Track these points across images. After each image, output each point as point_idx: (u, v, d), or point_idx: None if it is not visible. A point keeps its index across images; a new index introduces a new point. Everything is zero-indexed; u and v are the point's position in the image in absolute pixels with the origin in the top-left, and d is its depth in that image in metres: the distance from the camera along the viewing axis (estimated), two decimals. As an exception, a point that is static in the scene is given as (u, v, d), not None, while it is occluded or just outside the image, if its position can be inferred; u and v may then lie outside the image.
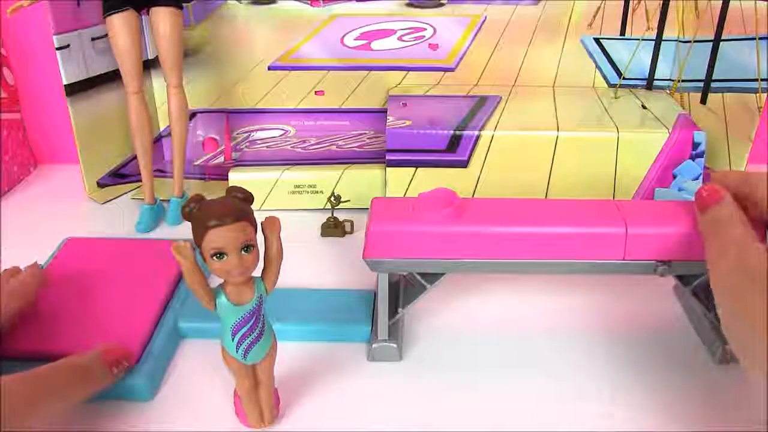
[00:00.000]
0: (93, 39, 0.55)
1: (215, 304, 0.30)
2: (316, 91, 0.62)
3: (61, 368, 0.32)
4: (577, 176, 0.52)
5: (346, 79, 0.61)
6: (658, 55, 0.59)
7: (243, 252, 0.28)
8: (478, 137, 0.51)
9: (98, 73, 0.56)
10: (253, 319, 0.31)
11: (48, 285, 0.41)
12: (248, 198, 0.29)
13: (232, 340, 0.31)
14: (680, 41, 0.58)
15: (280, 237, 0.31)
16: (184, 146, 0.53)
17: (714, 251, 0.32)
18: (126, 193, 0.59)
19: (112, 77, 0.57)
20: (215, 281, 0.30)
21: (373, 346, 0.38)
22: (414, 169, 0.53)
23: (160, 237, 0.52)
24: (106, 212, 0.56)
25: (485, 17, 0.59)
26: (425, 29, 0.60)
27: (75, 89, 0.54)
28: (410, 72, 0.61)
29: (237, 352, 0.31)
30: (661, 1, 0.57)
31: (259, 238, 0.30)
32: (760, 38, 0.52)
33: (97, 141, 0.57)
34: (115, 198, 0.58)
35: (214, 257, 0.28)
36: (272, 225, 0.30)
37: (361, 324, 0.40)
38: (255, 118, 0.63)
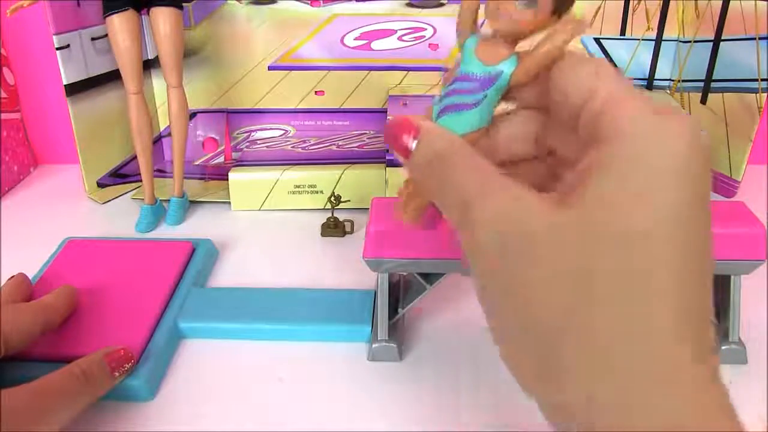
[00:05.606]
0: (93, 39, 0.55)
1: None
2: (316, 91, 0.62)
3: (63, 377, 0.32)
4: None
5: (346, 79, 0.61)
6: (658, 55, 0.59)
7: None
8: (478, 137, 0.51)
9: (98, 73, 0.56)
10: (474, 85, 0.25)
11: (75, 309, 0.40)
12: None
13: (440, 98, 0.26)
14: (680, 41, 0.58)
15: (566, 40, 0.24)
16: (184, 146, 0.53)
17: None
18: (126, 193, 0.59)
19: (112, 77, 0.57)
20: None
21: (373, 346, 0.38)
22: (414, 169, 0.53)
23: (160, 237, 0.52)
24: (106, 212, 0.56)
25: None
26: (425, 29, 0.60)
27: (75, 89, 0.54)
28: (410, 72, 0.61)
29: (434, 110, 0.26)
30: (661, 1, 0.57)
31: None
32: (760, 38, 0.52)
33: (97, 141, 0.57)
34: (115, 198, 0.58)
35: None
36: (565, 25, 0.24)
37: (361, 324, 0.40)
38: (255, 118, 0.63)
